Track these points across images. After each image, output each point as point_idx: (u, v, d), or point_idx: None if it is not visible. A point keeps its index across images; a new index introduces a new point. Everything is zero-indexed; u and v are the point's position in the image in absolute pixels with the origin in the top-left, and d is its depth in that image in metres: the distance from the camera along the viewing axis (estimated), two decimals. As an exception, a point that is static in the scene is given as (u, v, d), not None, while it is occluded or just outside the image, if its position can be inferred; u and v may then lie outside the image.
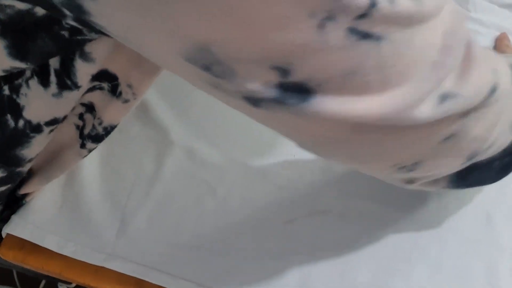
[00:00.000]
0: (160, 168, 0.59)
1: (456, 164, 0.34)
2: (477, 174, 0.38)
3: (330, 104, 0.24)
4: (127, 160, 0.60)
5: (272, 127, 0.31)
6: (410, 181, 0.35)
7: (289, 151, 0.60)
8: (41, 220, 0.55)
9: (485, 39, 0.71)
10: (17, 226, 0.54)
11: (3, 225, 0.55)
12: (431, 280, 0.52)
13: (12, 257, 0.54)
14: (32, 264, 0.54)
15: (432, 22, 0.26)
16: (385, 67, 0.24)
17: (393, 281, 0.52)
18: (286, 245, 0.54)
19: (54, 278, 0.56)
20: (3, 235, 0.55)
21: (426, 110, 0.26)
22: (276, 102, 0.25)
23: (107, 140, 0.61)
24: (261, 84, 0.24)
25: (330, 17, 0.21)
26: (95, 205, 0.56)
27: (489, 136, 0.33)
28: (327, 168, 0.59)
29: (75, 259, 0.53)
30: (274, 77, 0.23)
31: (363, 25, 0.23)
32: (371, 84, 0.25)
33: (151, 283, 0.52)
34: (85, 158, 0.59)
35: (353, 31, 0.23)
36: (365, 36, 0.23)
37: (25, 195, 0.55)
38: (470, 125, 0.30)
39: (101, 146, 0.61)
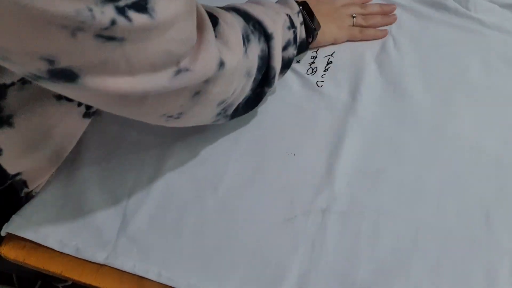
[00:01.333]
0: (161, 167, 0.59)
1: (212, 109, 0.49)
2: (242, 108, 0.55)
3: (93, 83, 0.36)
4: (127, 159, 0.60)
5: (75, 97, 0.41)
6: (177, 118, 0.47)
7: (289, 150, 0.60)
8: (43, 220, 0.55)
9: (487, 40, 0.71)
10: (18, 226, 0.55)
11: (3, 225, 0.55)
12: (430, 280, 0.52)
13: (13, 256, 0.54)
14: (34, 263, 0.54)
15: (167, 26, 0.37)
16: (129, 58, 0.36)
17: (393, 281, 0.52)
18: (286, 244, 0.54)
19: (51, 277, 0.56)
20: (3, 234, 0.55)
21: (163, 81, 0.40)
22: (51, 81, 0.36)
23: (108, 141, 0.62)
24: (35, 68, 0.34)
25: (79, 29, 0.32)
26: (96, 204, 0.56)
27: (229, 89, 0.48)
28: (327, 168, 0.59)
29: (76, 258, 0.53)
30: (44, 65, 0.34)
31: (108, 33, 0.33)
32: (121, 70, 0.36)
33: (152, 281, 0.52)
34: (85, 159, 0.60)
35: (100, 36, 0.33)
36: (110, 39, 0.34)
37: (28, 196, 0.56)
38: (210, 86, 0.45)
39: (102, 146, 0.61)
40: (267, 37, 0.53)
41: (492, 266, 0.53)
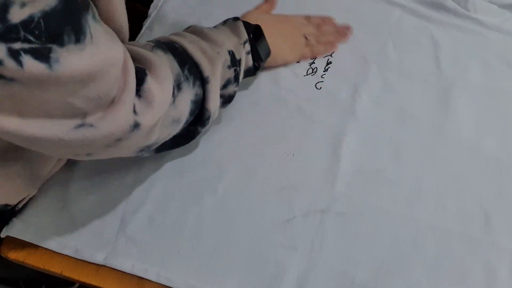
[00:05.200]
0: (159, 167, 0.59)
1: (130, 153, 0.48)
2: (169, 146, 0.54)
3: None
4: (127, 160, 0.60)
5: None
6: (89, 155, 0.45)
7: (288, 150, 0.60)
8: (42, 222, 0.55)
9: (486, 40, 0.71)
10: (18, 229, 0.54)
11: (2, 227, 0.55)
12: (430, 280, 0.52)
13: (13, 256, 0.54)
14: (33, 263, 0.54)
15: (71, 80, 0.36)
16: (18, 100, 0.35)
17: (392, 281, 0.52)
18: (285, 244, 0.54)
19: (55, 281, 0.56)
20: (2, 235, 0.55)
21: (57, 131, 0.38)
22: None
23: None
24: None
25: None
26: (95, 206, 0.56)
27: (149, 139, 0.47)
28: (327, 168, 0.59)
29: (76, 259, 0.54)
30: None
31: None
32: (6, 108, 0.35)
33: (152, 282, 0.52)
34: (85, 161, 0.59)
35: None
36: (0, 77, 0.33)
37: (13, 209, 0.55)
38: (123, 142, 0.43)
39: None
40: (203, 81, 0.52)
41: (491, 265, 0.53)
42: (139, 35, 0.69)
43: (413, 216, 0.56)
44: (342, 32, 0.71)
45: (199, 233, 0.55)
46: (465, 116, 0.64)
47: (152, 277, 0.52)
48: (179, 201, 0.57)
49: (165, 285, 0.52)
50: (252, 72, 0.62)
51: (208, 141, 0.61)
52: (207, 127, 0.56)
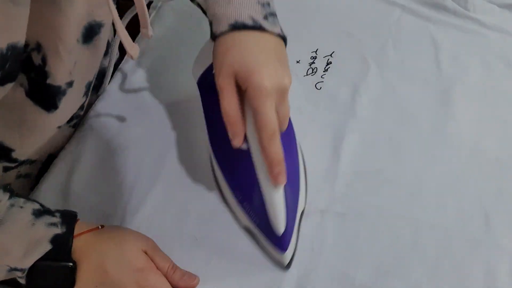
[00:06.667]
0: (160, 168, 0.59)
1: None
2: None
3: None
4: (127, 160, 0.60)
5: None
6: None
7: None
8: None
9: (486, 40, 0.71)
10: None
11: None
12: (429, 280, 0.52)
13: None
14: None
15: None
16: None
17: (392, 282, 0.52)
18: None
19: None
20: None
21: None
22: None
23: (107, 141, 0.62)
24: None
25: None
26: (95, 206, 0.57)
27: None
28: (327, 168, 0.59)
29: (76, 259, 0.53)
30: None
31: None
32: None
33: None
34: (85, 160, 0.60)
35: None
36: None
37: None
38: None
39: (102, 148, 0.61)
40: None
41: (492, 266, 0.53)
42: (139, 36, 0.69)
43: (413, 216, 0.56)
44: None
45: (199, 233, 0.55)
46: (465, 116, 0.64)
47: (152, 277, 0.52)
48: (180, 201, 0.57)
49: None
50: None
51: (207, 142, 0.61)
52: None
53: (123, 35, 0.48)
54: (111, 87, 0.67)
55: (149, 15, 0.72)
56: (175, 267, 0.51)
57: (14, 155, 0.56)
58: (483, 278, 0.52)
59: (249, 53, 0.45)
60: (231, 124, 0.44)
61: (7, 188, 0.48)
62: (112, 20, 0.47)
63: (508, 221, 0.56)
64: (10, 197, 0.47)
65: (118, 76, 0.68)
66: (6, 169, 0.57)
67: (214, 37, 0.47)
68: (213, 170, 0.57)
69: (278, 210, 0.47)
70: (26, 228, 0.46)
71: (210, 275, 0.52)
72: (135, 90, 0.67)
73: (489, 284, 0.52)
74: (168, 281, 0.50)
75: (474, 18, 0.72)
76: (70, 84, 0.52)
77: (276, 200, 0.46)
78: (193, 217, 0.56)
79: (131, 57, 0.49)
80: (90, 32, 0.50)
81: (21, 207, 0.47)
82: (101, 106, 0.65)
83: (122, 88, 0.67)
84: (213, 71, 0.45)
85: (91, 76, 0.58)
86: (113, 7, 0.45)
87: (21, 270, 0.46)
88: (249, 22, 0.46)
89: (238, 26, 0.46)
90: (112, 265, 0.48)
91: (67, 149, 0.62)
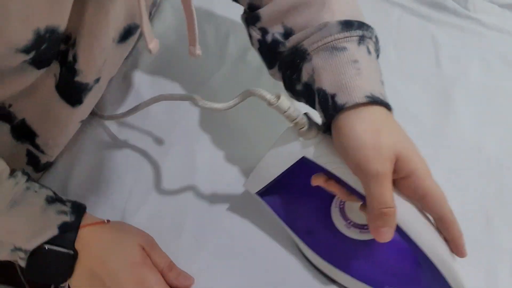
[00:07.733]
0: (160, 167, 0.59)
1: None
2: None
3: None
4: (126, 161, 0.60)
5: None
6: None
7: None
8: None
9: (486, 40, 0.71)
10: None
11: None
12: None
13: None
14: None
15: None
16: None
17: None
18: (286, 246, 0.54)
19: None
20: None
21: None
22: None
23: (107, 142, 0.62)
24: None
25: None
26: (94, 206, 0.56)
27: None
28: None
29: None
30: None
31: None
32: None
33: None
34: (85, 161, 0.60)
35: None
36: None
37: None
38: None
39: (101, 148, 0.61)
40: None
41: (492, 266, 0.53)
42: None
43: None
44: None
45: (199, 234, 0.55)
46: (465, 116, 0.64)
47: (152, 278, 0.52)
48: (179, 202, 0.57)
49: (165, 285, 0.52)
50: None
51: (208, 143, 0.61)
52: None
53: (147, 29, 0.45)
54: (110, 86, 0.67)
55: (150, 14, 0.72)
56: (171, 265, 0.51)
57: (37, 141, 0.55)
58: (483, 278, 0.52)
59: (402, 134, 0.44)
60: (389, 215, 0.41)
61: (24, 172, 0.49)
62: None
63: (508, 221, 0.56)
64: (26, 180, 0.49)
65: (117, 74, 0.68)
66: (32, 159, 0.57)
67: (338, 109, 0.43)
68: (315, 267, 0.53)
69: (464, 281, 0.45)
70: (38, 212, 0.48)
71: (209, 276, 0.52)
72: (134, 89, 0.67)
73: (489, 284, 0.52)
74: (164, 279, 0.50)
75: (475, 17, 0.72)
76: (97, 80, 0.52)
77: (460, 273, 0.45)
78: (192, 219, 0.56)
79: (150, 51, 0.48)
80: (128, 33, 0.51)
81: (36, 191, 0.49)
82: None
83: (121, 86, 0.67)
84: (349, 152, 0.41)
85: (115, 71, 0.59)
86: (143, 2, 0.43)
87: (25, 251, 0.47)
88: (380, 96, 0.44)
89: (376, 100, 0.43)
90: (109, 257, 0.49)
91: (66, 149, 0.62)
